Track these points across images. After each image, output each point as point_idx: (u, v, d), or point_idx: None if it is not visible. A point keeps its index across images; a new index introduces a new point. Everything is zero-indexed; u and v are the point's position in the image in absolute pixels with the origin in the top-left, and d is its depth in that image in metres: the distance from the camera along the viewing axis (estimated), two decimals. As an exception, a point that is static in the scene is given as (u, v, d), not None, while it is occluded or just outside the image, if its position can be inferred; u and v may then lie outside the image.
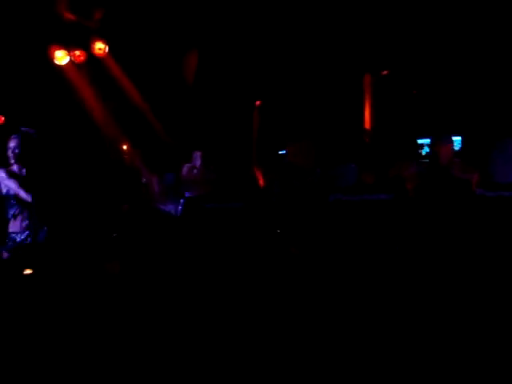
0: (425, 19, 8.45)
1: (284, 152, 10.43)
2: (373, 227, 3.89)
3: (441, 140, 7.58)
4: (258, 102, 9.41)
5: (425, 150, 8.72)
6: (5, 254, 4.60)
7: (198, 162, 7.49)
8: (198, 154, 7.58)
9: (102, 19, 7.58)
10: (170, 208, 7.10)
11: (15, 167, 4.65)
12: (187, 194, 6.98)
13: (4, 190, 4.64)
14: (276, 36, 8.09)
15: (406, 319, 3.33)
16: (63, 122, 8.07)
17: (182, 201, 6.62)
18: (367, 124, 10.39)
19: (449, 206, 4.04)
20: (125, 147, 9.64)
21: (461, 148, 9.02)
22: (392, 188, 4.06)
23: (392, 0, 8.20)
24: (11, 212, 4.67)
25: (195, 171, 7.51)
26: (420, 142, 8.87)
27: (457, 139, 8.80)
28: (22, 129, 4.45)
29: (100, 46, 7.85)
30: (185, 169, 7.49)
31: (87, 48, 7.92)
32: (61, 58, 8.03)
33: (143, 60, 8.01)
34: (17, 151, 4.59)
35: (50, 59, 8.02)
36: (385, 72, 9.63)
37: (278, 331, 3.26)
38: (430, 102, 10.13)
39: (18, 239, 4.64)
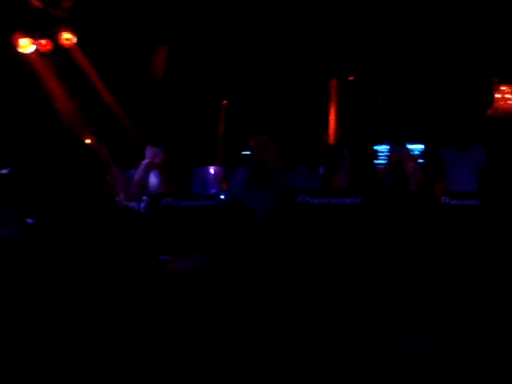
0: (392, 26, 8.58)
1: (248, 152, 10.45)
2: (339, 231, 3.91)
3: (403, 148, 7.71)
4: (224, 102, 9.41)
5: (384, 156, 8.86)
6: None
7: (158, 159, 7.36)
8: (157, 151, 7.43)
9: (71, 8, 7.45)
10: (132, 204, 7.01)
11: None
12: (151, 191, 6.91)
13: None
14: (245, 37, 8.10)
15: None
16: (24, 113, 7.90)
17: (145, 198, 6.55)
18: (332, 128, 10.48)
19: (414, 215, 4.10)
20: (88, 141, 9.49)
21: (422, 155, 9.16)
22: (359, 192, 4.09)
23: (359, 7, 8.29)
24: None
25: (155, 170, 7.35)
26: (381, 148, 9.01)
27: (418, 147, 8.96)
28: None
29: (67, 37, 7.69)
30: (141, 167, 7.32)
31: (54, 37, 7.77)
32: (25, 46, 7.83)
33: (112, 52, 7.90)
34: None
35: (13, 47, 7.84)
36: (351, 77, 9.72)
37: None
38: (394, 109, 10.26)
39: None
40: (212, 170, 7.38)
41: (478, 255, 3.82)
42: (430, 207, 4.19)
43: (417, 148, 8.60)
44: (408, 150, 8.00)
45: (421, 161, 8.51)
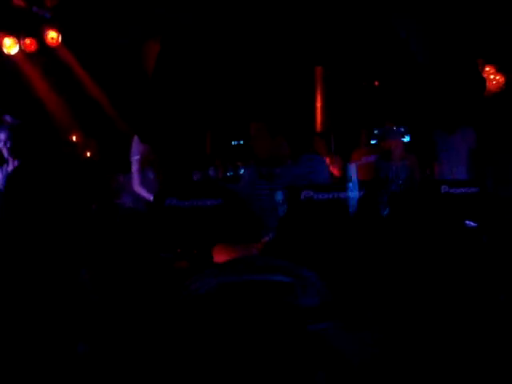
0: (373, 13, 8.60)
1: (237, 142, 10.47)
2: (345, 227, 3.94)
3: (391, 135, 7.71)
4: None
5: (374, 140, 8.91)
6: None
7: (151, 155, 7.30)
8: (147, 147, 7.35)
9: (56, 7, 7.36)
10: (124, 200, 6.97)
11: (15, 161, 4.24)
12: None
13: None
14: (231, 28, 8.08)
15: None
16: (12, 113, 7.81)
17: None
18: (318, 114, 10.52)
19: (417, 207, 4.13)
20: (74, 138, 9.44)
21: (410, 141, 9.21)
22: (363, 185, 4.11)
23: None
24: None
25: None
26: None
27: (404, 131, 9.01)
28: (7, 118, 4.22)
29: (53, 35, 7.61)
30: (135, 164, 7.24)
31: (39, 37, 7.68)
32: (9, 46, 7.74)
33: (99, 49, 7.84)
34: (8, 144, 4.19)
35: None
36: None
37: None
38: (379, 94, 10.32)
39: None
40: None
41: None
42: (432, 197, 4.23)
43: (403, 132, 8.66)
44: (395, 137, 7.98)
45: (406, 139, 8.55)
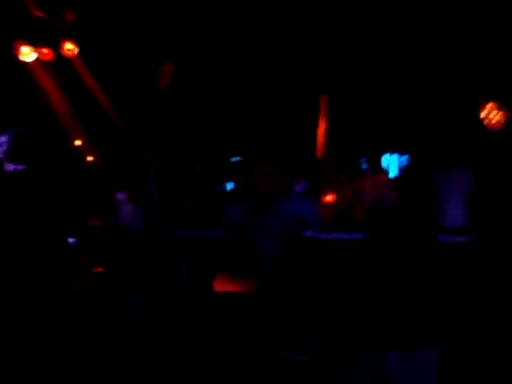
0: (380, 44, 8.77)
1: (236, 159, 10.63)
2: (346, 269, 4.10)
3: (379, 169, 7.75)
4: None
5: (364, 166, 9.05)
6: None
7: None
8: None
9: (75, 20, 7.53)
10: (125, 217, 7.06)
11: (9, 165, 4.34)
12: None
13: None
14: (241, 54, 8.27)
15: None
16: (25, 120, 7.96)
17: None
18: (320, 142, 10.67)
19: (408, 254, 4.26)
20: (78, 142, 9.61)
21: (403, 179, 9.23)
22: (366, 226, 4.28)
23: (347, 23, 8.45)
24: None
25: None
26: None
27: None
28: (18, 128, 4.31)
29: (69, 47, 7.78)
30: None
31: (56, 47, 7.85)
32: (26, 54, 7.89)
33: (113, 63, 8.01)
34: (5, 147, 4.33)
35: (14, 54, 7.90)
36: None
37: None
38: (380, 126, 10.47)
39: None
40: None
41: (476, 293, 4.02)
42: (427, 245, 4.39)
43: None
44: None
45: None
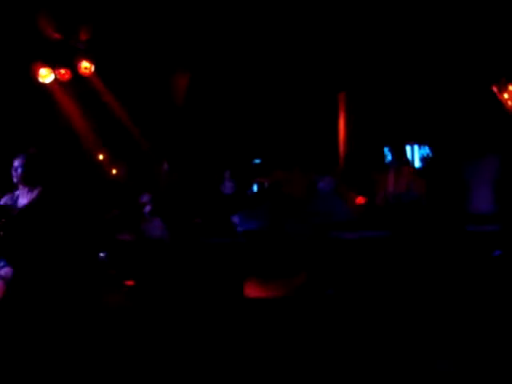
0: (395, 37, 8.72)
1: (258, 161, 10.67)
2: (371, 265, 4.10)
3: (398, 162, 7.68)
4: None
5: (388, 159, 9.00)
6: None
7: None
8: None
9: (90, 39, 7.64)
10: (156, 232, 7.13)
11: (22, 188, 4.39)
12: None
13: None
14: (259, 59, 8.29)
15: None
16: (47, 139, 8.10)
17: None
18: (342, 138, 10.65)
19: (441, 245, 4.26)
20: (101, 157, 9.74)
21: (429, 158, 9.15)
22: (388, 224, 4.28)
23: (361, 20, 8.41)
24: None
25: None
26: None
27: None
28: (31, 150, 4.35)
29: (86, 66, 7.88)
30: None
31: (73, 66, 7.96)
32: (45, 75, 8.02)
33: (130, 79, 8.10)
34: (20, 171, 4.34)
35: (33, 76, 8.03)
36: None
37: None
38: (401, 119, 10.39)
39: None
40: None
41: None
42: (456, 235, 4.36)
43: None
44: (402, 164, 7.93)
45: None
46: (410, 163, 8.11)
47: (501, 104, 8.97)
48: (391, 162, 8.00)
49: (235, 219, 6.23)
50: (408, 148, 8.99)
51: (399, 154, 8.27)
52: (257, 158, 9.60)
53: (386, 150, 9.11)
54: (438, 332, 3.54)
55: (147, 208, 7.38)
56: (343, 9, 7.93)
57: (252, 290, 4.61)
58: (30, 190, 4.28)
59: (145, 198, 7.60)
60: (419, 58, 8.93)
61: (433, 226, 4.65)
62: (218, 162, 8.75)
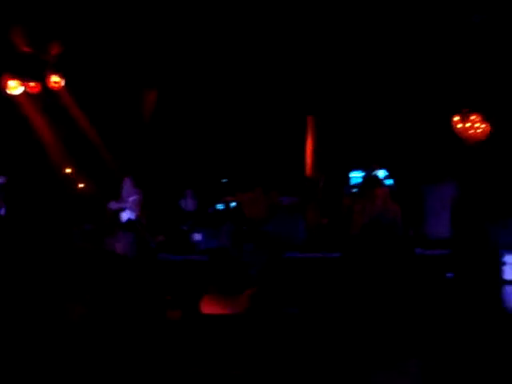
0: (365, 64, 8.93)
1: (225, 181, 10.78)
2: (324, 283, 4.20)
3: (378, 182, 7.86)
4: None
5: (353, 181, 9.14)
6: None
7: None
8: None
9: (60, 54, 7.69)
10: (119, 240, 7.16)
11: None
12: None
13: None
14: (228, 80, 8.43)
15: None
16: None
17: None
18: (309, 159, 10.81)
19: (388, 265, 4.36)
20: (69, 170, 9.77)
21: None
22: (342, 246, 4.41)
23: (331, 48, 8.61)
24: None
25: None
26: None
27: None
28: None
29: (56, 80, 7.94)
30: (133, 204, 7.53)
31: (43, 80, 8.00)
32: (14, 87, 8.05)
33: (98, 94, 8.17)
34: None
35: (2, 88, 8.05)
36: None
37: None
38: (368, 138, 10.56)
39: None
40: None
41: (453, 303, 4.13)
42: (406, 258, 4.51)
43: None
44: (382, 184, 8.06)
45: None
46: (383, 184, 8.21)
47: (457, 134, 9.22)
48: (363, 186, 8.04)
49: (197, 237, 6.33)
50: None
51: (371, 177, 8.37)
52: (224, 177, 9.72)
53: (353, 174, 9.27)
54: (392, 350, 3.64)
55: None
56: (312, 35, 8.12)
57: (208, 307, 4.70)
58: None
59: (114, 205, 7.64)
60: (386, 85, 9.17)
61: (382, 249, 4.80)
62: (182, 179, 8.85)
